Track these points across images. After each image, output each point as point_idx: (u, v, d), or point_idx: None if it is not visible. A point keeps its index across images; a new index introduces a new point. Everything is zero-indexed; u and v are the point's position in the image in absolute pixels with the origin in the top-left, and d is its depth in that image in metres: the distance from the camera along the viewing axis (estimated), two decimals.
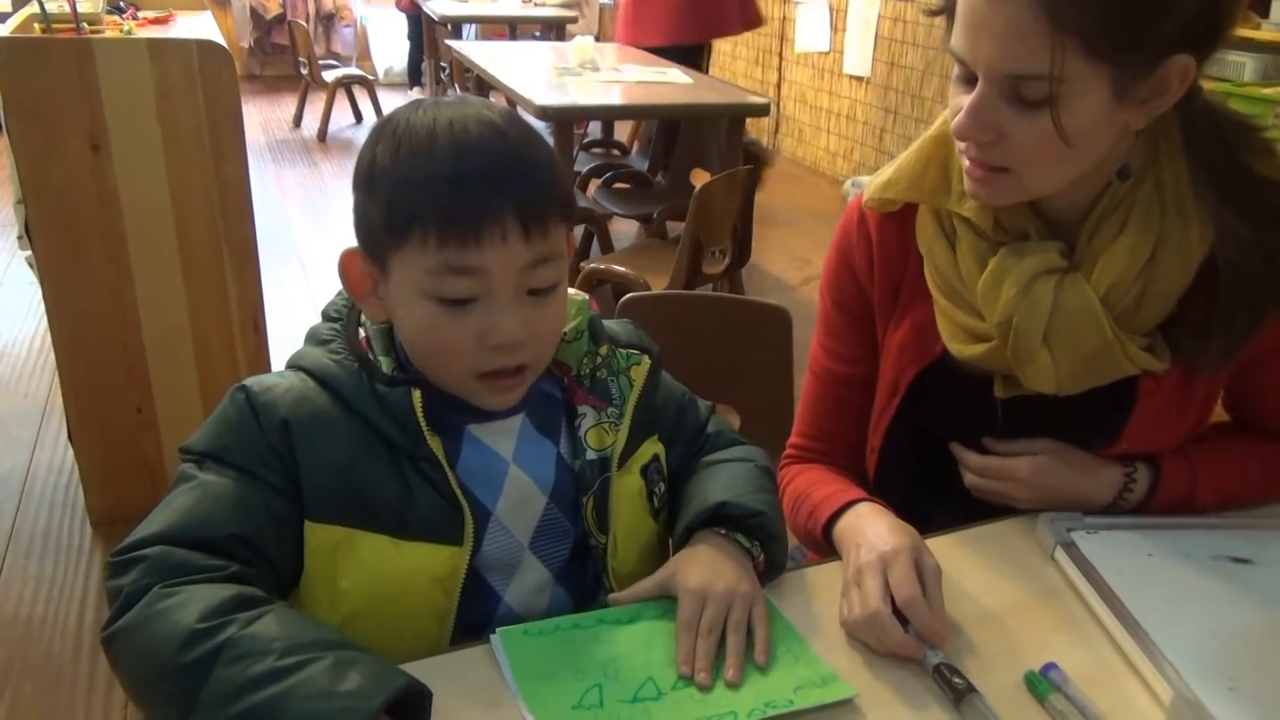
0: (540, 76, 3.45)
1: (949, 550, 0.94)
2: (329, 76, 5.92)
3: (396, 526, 0.81)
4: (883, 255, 1.05)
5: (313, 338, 0.87)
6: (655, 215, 3.18)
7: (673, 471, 0.97)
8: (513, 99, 3.26)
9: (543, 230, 0.79)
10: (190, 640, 0.67)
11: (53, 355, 1.95)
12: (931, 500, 1.05)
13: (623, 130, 4.91)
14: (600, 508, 0.90)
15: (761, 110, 3.11)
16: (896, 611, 0.82)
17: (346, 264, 0.84)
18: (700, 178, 2.76)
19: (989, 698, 0.76)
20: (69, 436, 2.08)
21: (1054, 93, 0.82)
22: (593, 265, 2.76)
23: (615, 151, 4.30)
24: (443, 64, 6.16)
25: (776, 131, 5.99)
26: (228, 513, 0.77)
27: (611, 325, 0.97)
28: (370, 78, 6.33)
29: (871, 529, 0.90)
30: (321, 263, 3.84)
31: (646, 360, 0.95)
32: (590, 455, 0.90)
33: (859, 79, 5.16)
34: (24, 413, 2.62)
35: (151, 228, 1.88)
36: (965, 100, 0.87)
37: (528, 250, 0.79)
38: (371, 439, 0.82)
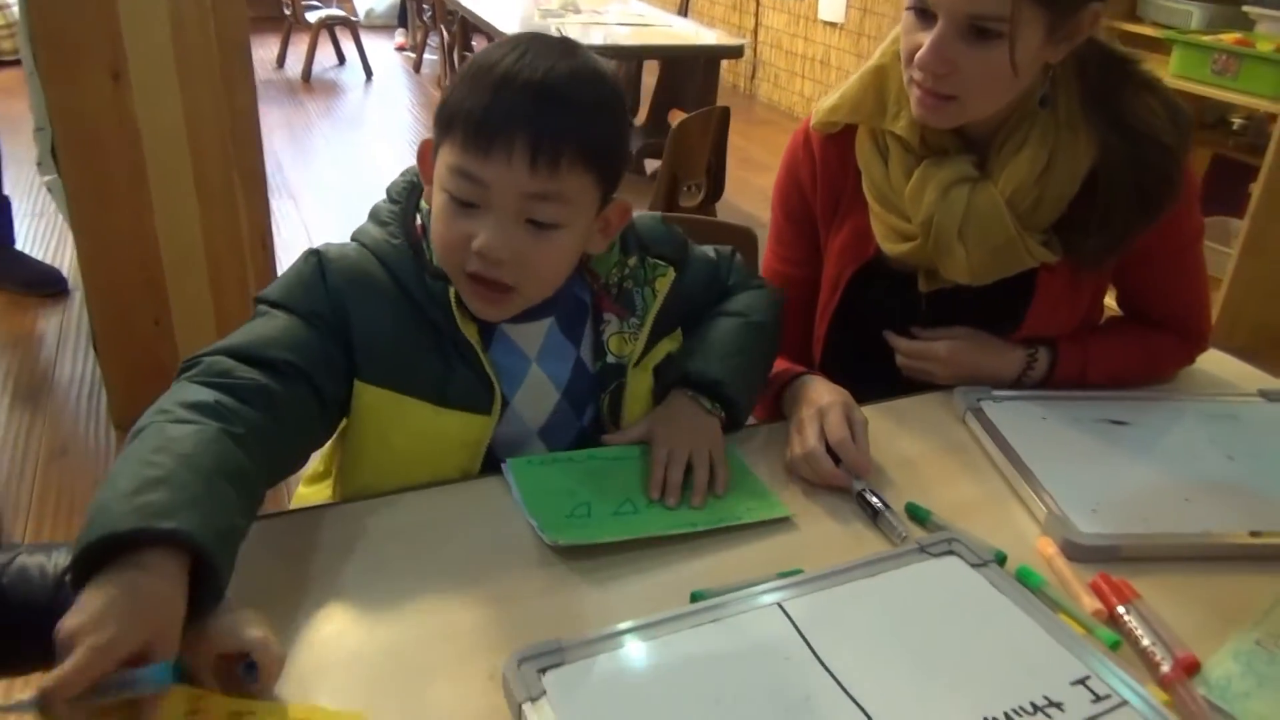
0: (523, 17, 3.57)
1: (878, 415, 1.13)
2: (312, 17, 5.97)
3: (437, 396, 0.95)
4: (825, 171, 1.23)
5: (374, 216, 0.99)
6: (633, 152, 3.34)
7: (694, 325, 1.11)
8: (494, 39, 3.38)
9: (552, 166, 0.87)
10: (145, 417, 0.78)
11: (74, 273, 2.09)
12: (867, 381, 1.22)
13: None
14: (615, 403, 1.04)
15: (735, 52, 3.26)
16: (831, 452, 1.01)
17: (422, 149, 0.95)
18: (677, 117, 2.91)
19: (901, 519, 0.96)
20: (94, 347, 2.24)
21: (1011, 32, 0.99)
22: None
23: None
24: (424, 4, 6.20)
25: (754, 76, 6.11)
26: (285, 341, 0.88)
27: (644, 224, 1.07)
28: (353, 19, 6.38)
29: (813, 391, 1.09)
30: (312, 197, 3.97)
31: (671, 273, 1.05)
32: (610, 359, 1.03)
33: (833, 25, 5.29)
34: (47, 329, 2.78)
35: (168, 154, 2.02)
36: (923, 37, 1.04)
37: (531, 179, 0.87)
38: (419, 317, 0.94)
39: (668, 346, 1.08)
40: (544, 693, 0.71)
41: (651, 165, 3.41)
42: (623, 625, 0.79)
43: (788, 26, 5.71)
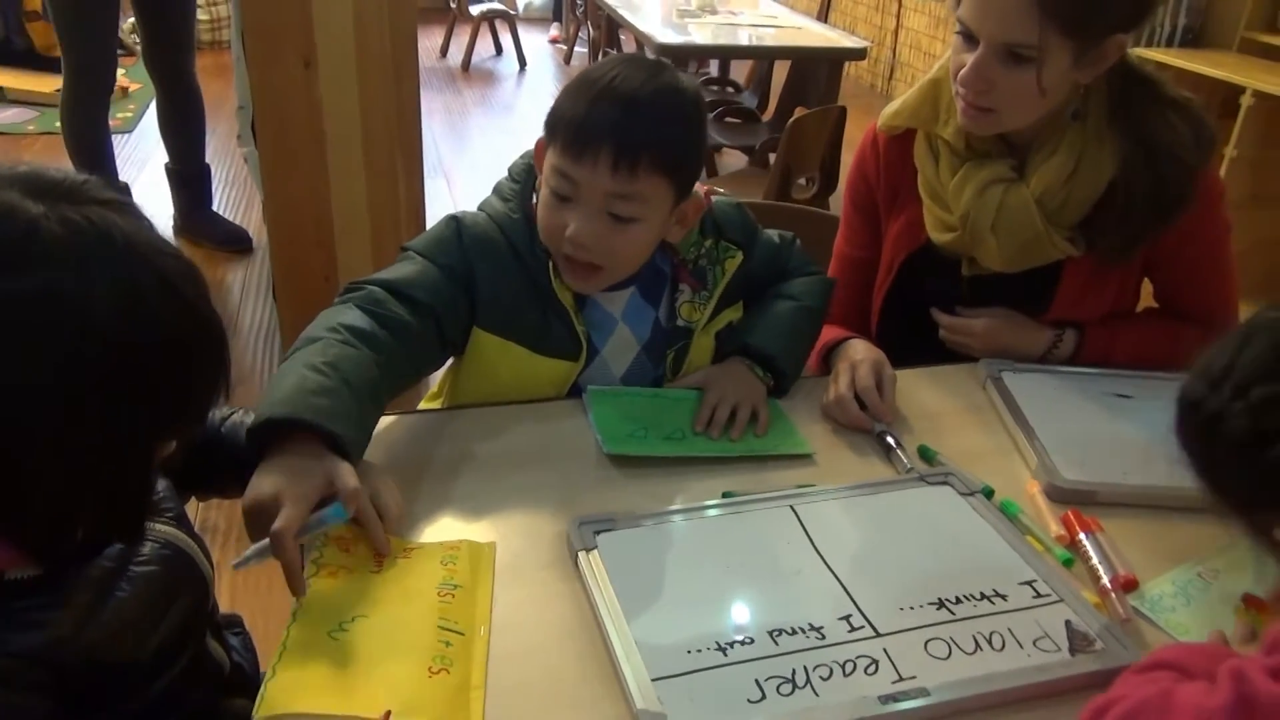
0: (663, 17, 3.82)
1: (914, 377, 1.31)
2: (474, 10, 6.38)
3: (535, 344, 1.16)
4: (887, 167, 1.42)
5: (498, 191, 1.19)
6: (757, 146, 3.53)
7: (755, 299, 1.29)
8: (637, 37, 3.64)
9: (630, 171, 1.04)
10: (318, 328, 1.02)
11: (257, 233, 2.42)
12: (915, 351, 1.40)
13: (742, 69, 5.22)
14: (679, 359, 1.25)
15: (858, 55, 3.42)
16: (859, 400, 1.21)
17: (538, 145, 1.14)
18: (802, 114, 3.10)
19: (912, 457, 1.15)
20: (274, 296, 2.62)
21: (1039, 58, 1.17)
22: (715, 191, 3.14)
23: (729, 89, 4.63)
24: (578, 0, 6.54)
25: (891, 77, 6.18)
26: (425, 285, 1.10)
27: (721, 210, 1.24)
28: (512, 12, 6.77)
29: (852, 349, 1.28)
30: (463, 177, 4.34)
31: (739, 256, 1.23)
32: (680, 322, 1.22)
33: None
34: (234, 281, 3.23)
35: (344, 132, 2.35)
36: (967, 57, 1.22)
37: (612, 180, 1.04)
38: (528, 279, 1.14)
39: (730, 315, 1.27)
40: (596, 546, 0.95)
41: (774, 158, 3.60)
42: (662, 509, 1.02)
43: (928, 28, 5.77)
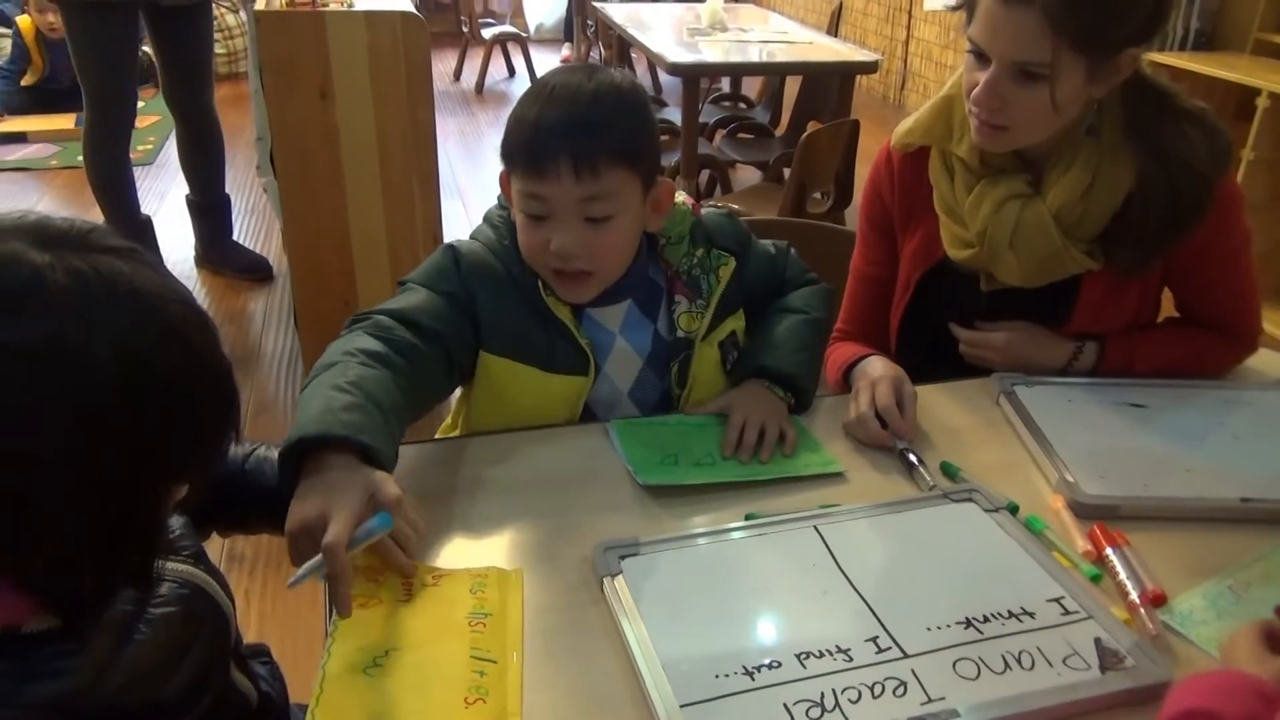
0: (674, 36, 3.84)
1: (931, 392, 1.31)
2: (487, 34, 6.44)
3: (545, 363, 1.17)
4: (902, 184, 1.42)
5: (487, 219, 1.22)
6: (771, 162, 3.54)
7: (756, 312, 1.30)
8: (650, 57, 3.66)
9: (593, 173, 1.06)
10: (334, 354, 1.03)
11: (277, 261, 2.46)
12: (933, 366, 1.40)
13: (754, 85, 5.23)
14: (683, 370, 1.24)
15: (869, 68, 3.42)
16: (880, 417, 1.21)
17: (502, 178, 1.17)
18: (814, 129, 3.10)
19: (934, 473, 1.14)
20: (295, 322, 2.65)
21: (1052, 76, 1.17)
22: (709, 204, 3.15)
23: (742, 105, 4.65)
24: (589, 21, 6.58)
25: (903, 87, 6.19)
26: (431, 313, 1.11)
27: (712, 220, 1.26)
28: (523, 35, 6.82)
29: (871, 367, 1.28)
30: (478, 199, 4.37)
31: (732, 262, 1.25)
32: (680, 333, 1.24)
33: None
34: (255, 309, 3.26)
35: (361, 160, 2.38)
36: (979, 76, 1.22)
37: (579, 187, 1.06)
38: (527, 301, 1.16)
39: (731, 325, 1.27)
40: (621, 572, 0.96)
41: (789, 173, 3.61)
42: (686, 532, 1.02)
43: (939, 38, 5.77)
